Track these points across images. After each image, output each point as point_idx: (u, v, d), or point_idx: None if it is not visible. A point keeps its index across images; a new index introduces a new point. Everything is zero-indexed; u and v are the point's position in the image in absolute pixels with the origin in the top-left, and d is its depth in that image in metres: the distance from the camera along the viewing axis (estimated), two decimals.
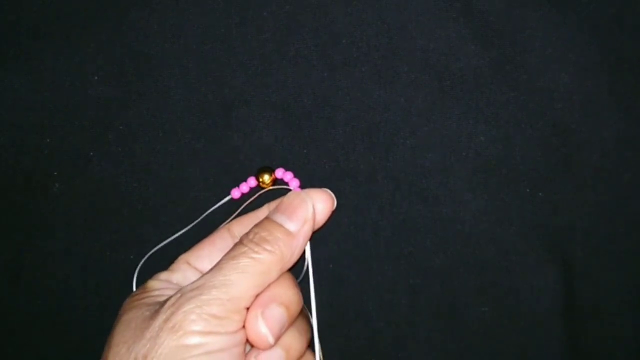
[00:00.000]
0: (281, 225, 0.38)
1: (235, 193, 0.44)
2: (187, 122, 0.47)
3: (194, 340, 0.34)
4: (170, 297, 0.36)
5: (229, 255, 0.37)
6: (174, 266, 0.41)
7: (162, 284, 0.40)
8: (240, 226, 0.42)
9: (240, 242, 0.37)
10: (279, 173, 0.43)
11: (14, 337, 0.47)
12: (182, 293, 0.35)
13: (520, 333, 0.46)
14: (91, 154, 0.47)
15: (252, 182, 0.44)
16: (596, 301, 0.46)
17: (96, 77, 0.47)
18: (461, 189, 0.46)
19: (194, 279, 0.39)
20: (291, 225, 0.38)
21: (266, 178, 0.43)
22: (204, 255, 0.41)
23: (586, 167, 0.46)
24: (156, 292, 0.38)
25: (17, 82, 0.47)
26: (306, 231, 0.39)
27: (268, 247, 0.37)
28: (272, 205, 0.43)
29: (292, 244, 0.38)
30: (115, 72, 0.48)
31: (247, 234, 0.38)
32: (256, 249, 0.37)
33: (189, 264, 0.41)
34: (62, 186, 0.47)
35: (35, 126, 0.47)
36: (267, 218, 0.39)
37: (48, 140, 0.47)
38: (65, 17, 0.48)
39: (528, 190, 0.46)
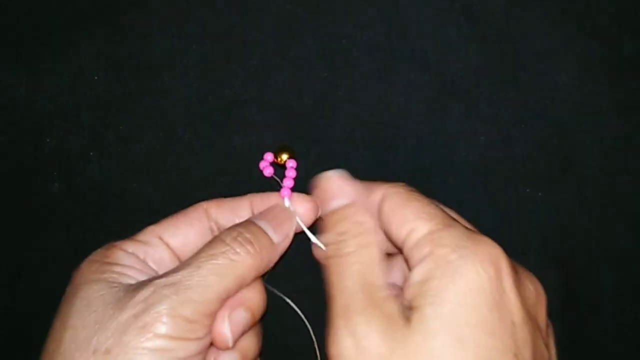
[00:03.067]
0: (266, 233, 0.38)
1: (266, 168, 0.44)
2: (187, 122, 0.47)
3: (162, 344, 0.33)
4: (141, 288, 0.34)
5: (208, 252, 0.35)
6: (143, 237, 0.39)
7: (128, 258, 0.37)
8: (218, 209, 0.40)
9: (221, 240, 0.36)
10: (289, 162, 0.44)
11: (14, 337, 0.47)
12: (155, 288, 0.34)
13: None
14: (91, 154, 0.47)
15: (269, 157, 0.44)
16: (596, 301, 0.46)
17: (96, 77, 0.47)
18: (461, 189, 0.46)
19: (165, 256, 0.38)
20: (274, 236, 0.38)
21: (284, 157, 0.43)
22: (179, 234, 0.39)
23: (586, 167, 0.46)
24: (119, 268, 0.36)
25: (17, 82, 0.47)
26: (285, 246, 0.39)
27: (250, 250, 0.36)
28: (257, 198, 0.41)
29: (271, 253, 0.38)
30: (115, 72, 0.48)
31: (229, 231, 0.37)
32: (238, 250, 0.36)
33: (161, 238, 0.39)
34: (62, 186, 0.47)
35: (35, 126, 0.47)
36: (251, 221, 0.38)
37: (48, 140, 0.47)
38: (66, 17, 0.48)
39: (528, 190, 0.46)
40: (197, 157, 0.47)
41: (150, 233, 0.39)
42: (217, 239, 0.37)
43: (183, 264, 0.35)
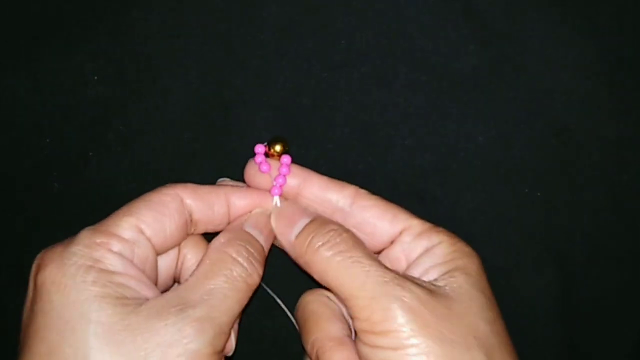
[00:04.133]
0: (263, 248, 0.38)
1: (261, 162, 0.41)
2: (187, 122, 0.47)
3: None
4: (174, 321, 0.32)
5: (226, 274, 0.35)
6: (124, 232, 0.35)
7: (120, 262, 0.34)
8: (194, 199, 0.38)
9: (236, 260, 0.36)
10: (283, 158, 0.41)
11: (14, 337, 0.47)
12: (191, 322, 0.32)
13: (520, 333, 0.46)
14: (91, 154, 0.47)
15: (260, 149, 0.41)
16: (596, 301, 0.46)
17: (96, 77, 0.48)
18: (459, 189, 0.46)
19: (149, 256, 0.36)
20: (266, 248, 0.38)
21: (277, 149, 0.40)
22: (161, 230, 0.36)
23: (586, 167, 0.46)
24: (119, 278, 0.33)
25: (17, 82, 0.47)
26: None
27: (259, 271, 0.36)
28: (233, 194, 0.40)
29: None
30: (115, 72, 0.48)
31: (239, 248, 0.36)
32: (251, 272, 0.36)
33: (142, 233, 0.36)
34: (62, 186, 0.47)
35: (35, 126, 0.47)
36: (253, 237, 0.38)
37: (48, 140, 0.47)
38: (65, 17, 0.48)
39: (526, 190, 0.46)
40: (197, 157, 0.47)
41: (131, 227, 0.35)
42: (231, 258, 0.36)
43: (202, 286, 0.34)
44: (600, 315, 0.46)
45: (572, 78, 0.47)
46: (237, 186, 0.41)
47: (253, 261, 0.36)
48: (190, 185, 0.38)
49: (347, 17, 0.47)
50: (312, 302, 0.38)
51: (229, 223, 0.40)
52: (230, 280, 0.35)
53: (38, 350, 0.32)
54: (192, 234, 0.39)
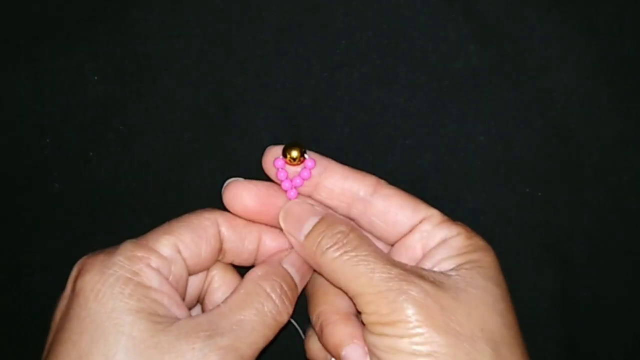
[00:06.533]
0: (296, 285, 0.38)
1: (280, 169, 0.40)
2: (187, 122, 0.47)
3: None
4: (201, 346, 0.33)
5: (258, 309, 0.35)
6: (163, 249, 0.36)
7: (157, 279, 0.35)
8: (228, 225, 0.39)
9: (269, 296, 0.36)
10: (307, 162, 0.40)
11: (14, 337, 0.47)
12: (217, 350, 0.33)
13: None
14: (91, 154, 0.47)
15: (279, 163, 0.40)
16: (596, 301, 0.46)
17: (96, 77, 0.48)
18: (459, 189, 0.46)
19: (183, 275, 0.37)
20: (300, 286, 0.39)
21: (294, 154, 0.39)
22: (197, 253, 0.37)
23: (586, 167, 0.46)
24: (154, 294, 0.34)
25: (17, 82, 0.48)
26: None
27: (290, 311, 0.37)
28: (266, 234, 0.40)
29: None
30: (115, 72, 0.48)
31: (273, 284, 0.37)
32: (282, 310, 0.36)
33: (179, 252, 0.36)
34: (62, 186, 0.47)
35: (35, 126, 0.47)
36: (289, 275, 0.38)
37: (48, 140, 0.47)
38: (65, 17, 0.48)
39: (527, 190, 0.46)
40: (197, 157, 0.47)
41: (170, 245, 0.36)
42: (265, 293, 0.36)
43: (233, 315, 0.35)
44: (600, 315, 0.46)
45: (572, 78, 0.47)
46: (270, 226, 0.41)
47: (285, 299, 0.37)
48: (228, 215, 0.39)
49: (347, 17, 0.47)
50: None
51: (255, 260, 0.40)
52: (261, 314, 0.35)
53: (69, 353, 0.32)
54: (219, 261, 0.40)
